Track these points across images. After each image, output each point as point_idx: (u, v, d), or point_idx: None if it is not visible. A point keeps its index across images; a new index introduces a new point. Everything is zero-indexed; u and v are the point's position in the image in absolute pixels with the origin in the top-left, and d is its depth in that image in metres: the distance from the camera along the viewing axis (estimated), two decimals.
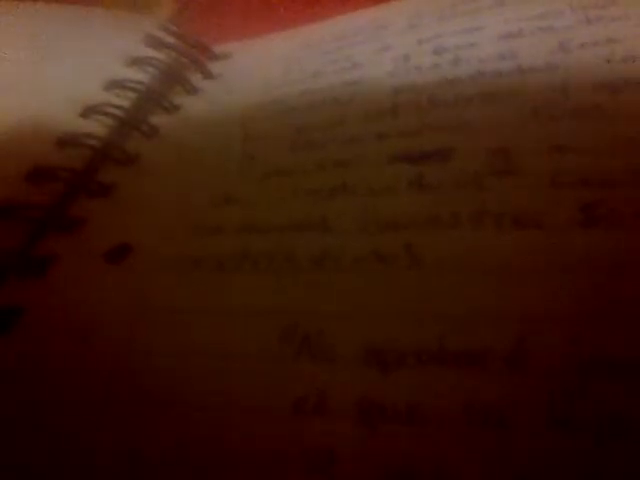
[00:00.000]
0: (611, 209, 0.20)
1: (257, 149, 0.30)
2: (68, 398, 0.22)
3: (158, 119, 0.35)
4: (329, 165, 0.27)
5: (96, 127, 0.33)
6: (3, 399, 0.22)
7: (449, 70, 0.29)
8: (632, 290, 0.18)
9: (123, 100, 0.35)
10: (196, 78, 0.38)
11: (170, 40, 0.40)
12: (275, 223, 0.25)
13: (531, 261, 0.20)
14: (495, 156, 0.23)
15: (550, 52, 0.27)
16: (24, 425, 0.21)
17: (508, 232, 0.21)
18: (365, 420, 0.18)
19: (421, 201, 0.23)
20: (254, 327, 0.22)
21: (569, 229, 0.20)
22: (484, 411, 0.17)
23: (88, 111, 0.34)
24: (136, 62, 0.38)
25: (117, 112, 0.34)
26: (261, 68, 0.37)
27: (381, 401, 0.18)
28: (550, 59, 0.26)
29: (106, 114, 0.34)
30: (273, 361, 0.21)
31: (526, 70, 0.26)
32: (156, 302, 0.24)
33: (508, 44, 0.28)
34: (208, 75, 0.38)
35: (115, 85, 0.36)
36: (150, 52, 0.39)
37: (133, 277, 0.25)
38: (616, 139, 0.22)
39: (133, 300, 0.24)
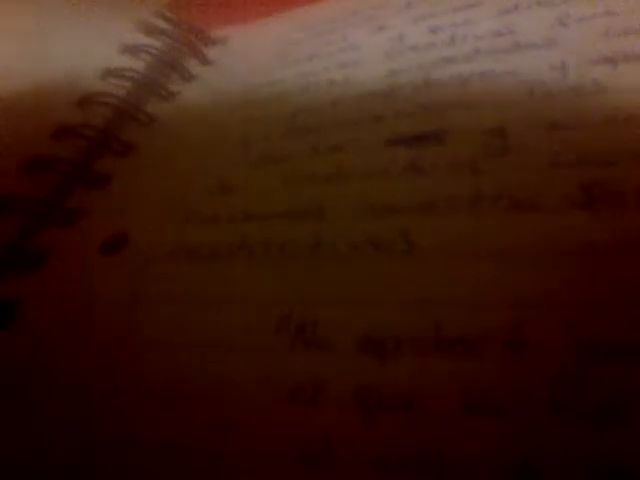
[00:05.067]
0: (612, 188, 0.19)
1: (253, 135, 0.30)
2: (67, 390, 0.22)
3: (155, 107, 0.34)
4: (324, 150, 0.26)
5: (93, 117, 0.33)
6: (2, 392, 0.22)
7: (445, 49, 0.28)
8: (632, 272, 0.18)
9: (119, 89, 0.35)
10: (192, 64, 0.38)
11: (166, 26, 0.39)
12: (271, 211, 0.25)
13: (529, 244, 0.19)
14: (491, 136, 0.23)
15: (548, 27, 0.26)
16: (24, 418, 0.21)
17: (505, 215, 0.20)
18: (363, 409, 0.18)
19: (417, 186, 0.23)
20: (250, 316, 0.22)
21: (568, 210, 0.20)
22: (483, 398, 0.17)
23: (84, 101, 0.34)
24: (132, 50, 0.38)
25: (113, 101, 0.34)
26: (257, 52, 0.37)
27: (379, 389, 0.18)
28: (548, 34, 0.26)
29: (102, 103, 0.34)
30: (269, 350, 0.20)
31: (524, 46, 0.26)
32: (153, 292, 0.24)
33: (505, 20, 0.28)
34: (204, 61, 0.38)
35: (111, 74, 0.36)
36: (146, 39, 0.38)
37: (130, 267, 0.25)
38: (615, 116, 0.21)
39: (130, 291, 0.24)
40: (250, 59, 0.36)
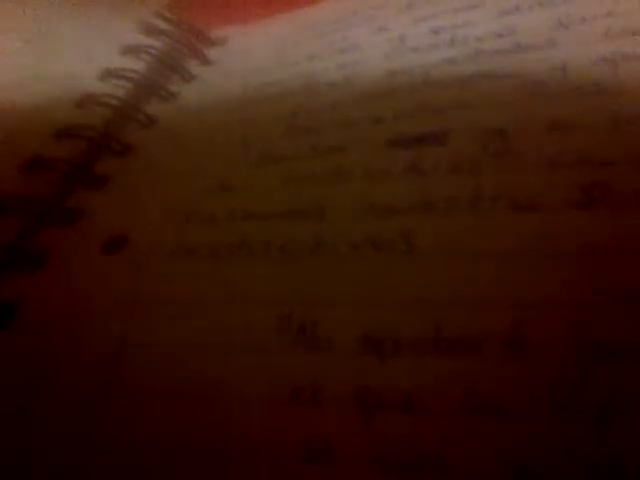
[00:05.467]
0: (612, 189, 0.19)
1: (253, 135, 0.30)
2: (67, 390, 0.22)
3: (155, 108, 0.34)
4: (324, 150, 0.26)
5: (92, 118, 0.33)
6: (2, 392, 0.22)
7: (446, 50, 0.28)
8: (632, 272, 0.18)
9: (119, 89, 0.35)
10: (193, 65, 0.38)
11: (166, 27, 0.39)
12: (270, 211, 0.25)
13: (529, 245, 0.19)
14: (492, 137, 0.23)
15: (549, 28, 0.26)
16: (24, 418, 0.21)
17: (505, 215, 0.20)
18: (362, 409, 0.18)
19: (417, 186, 0.23)
20: (250, 316, 0.22)
21: (568, 211, 0.20)
22: (483, 398, 0.17)
23: (84, 101, 0.34)
24: (132, 50, 0.38)
25: (113, 102, 0.34)
26: (258, 52, 0.37)
27: (378, 390, 0.18)
28: (549, 35, 0.26)
29: (102, 104, 0.34)
30: (269, 350, 0.20)
31: (525, 47, 0.26)
32: (153, 292, 0.24)
33: (506, 21, 0.28)
34: (205, 61, 0.38)
35: (111, 74, 0.36)
36: (146, 40, 0.38)
37: (130, 267, 0.25)
38: (616, 116, 0.21)
39: (130, 291, 0.24)
40: (250, 59, 0.36)
